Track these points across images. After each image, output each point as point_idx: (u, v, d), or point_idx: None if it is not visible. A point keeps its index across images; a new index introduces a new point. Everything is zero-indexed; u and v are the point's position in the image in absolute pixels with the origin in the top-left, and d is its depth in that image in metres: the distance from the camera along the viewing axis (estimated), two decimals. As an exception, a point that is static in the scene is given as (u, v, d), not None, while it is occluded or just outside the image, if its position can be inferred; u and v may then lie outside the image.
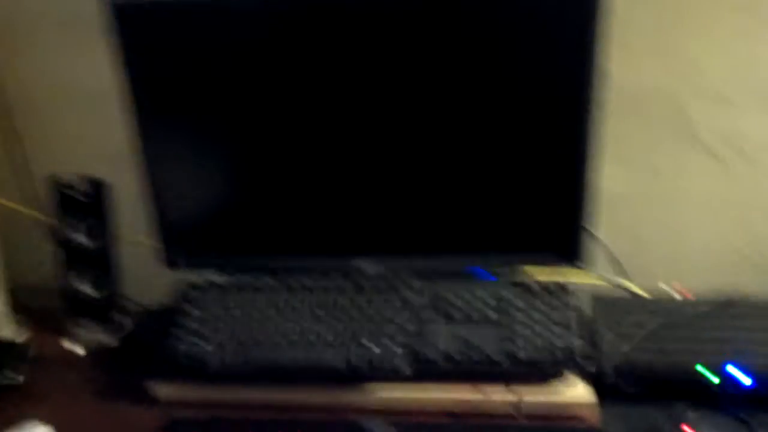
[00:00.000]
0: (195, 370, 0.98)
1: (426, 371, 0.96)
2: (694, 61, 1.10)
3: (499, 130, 0.99)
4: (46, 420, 0.97)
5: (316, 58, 0.97)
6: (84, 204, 1.11)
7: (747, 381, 0.93)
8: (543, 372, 0.94)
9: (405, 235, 1.07)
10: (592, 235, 1.05)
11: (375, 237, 1.08)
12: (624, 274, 1.16)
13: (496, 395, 0.95)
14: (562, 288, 1.02)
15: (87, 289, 1.14)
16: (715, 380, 0.93)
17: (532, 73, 0.96)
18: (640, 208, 1.20)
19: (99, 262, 1.13)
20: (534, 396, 0.94)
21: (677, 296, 1.09)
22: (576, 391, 0.95)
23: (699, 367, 0.94)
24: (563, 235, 1.03)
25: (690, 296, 1.09)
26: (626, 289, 1.13)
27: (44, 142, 1.24)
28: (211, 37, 0.98)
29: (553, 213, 1.03)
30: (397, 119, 1.00)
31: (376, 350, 0.96)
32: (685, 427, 0.91)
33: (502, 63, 0.96)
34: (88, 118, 1.22)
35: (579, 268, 1.07)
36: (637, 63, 1.10)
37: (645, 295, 1.12)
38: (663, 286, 1.11)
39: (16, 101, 1.21)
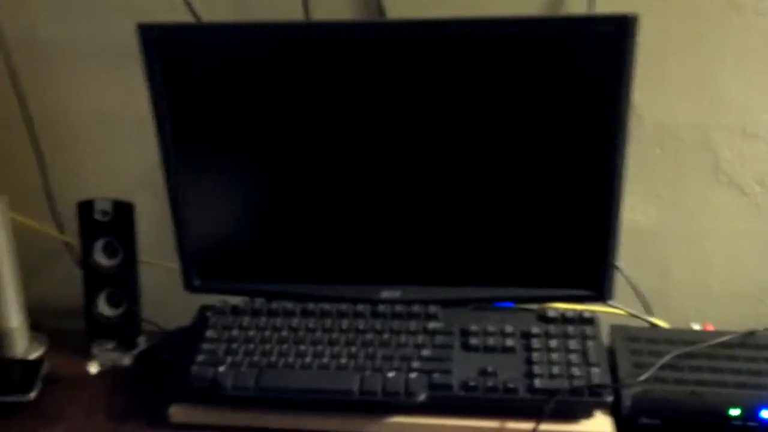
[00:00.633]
0: (208, 392, 0.97)
1: (441, 398, 0.94)
2: (723, 97, 1.10)
3: (528, 165, 0.99)
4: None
5: (347, 91, 0.98)
6: (107, 225, 1.12)
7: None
8: (560, 401, 0.93)
9: (427, 267, 1.07)
10: (617, 270, 1.04)
11: (399, 268, 1.07)
12: (648, 307, 1.15)
13: (513, 424, 0.94)
14: (581, 317, 1.01)
15: (106, 309, 1.14)
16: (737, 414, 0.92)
17: (562, 108, 0.96)
18: (667, 242, 1.19)
19: (120, 283, 1.13)
20: (551, 425, 0.93)
21: (698, 327, 1.08)
22: (594, 421, 0.94)
23: (733, 410, 0.92)
24: (591, 271, 1.02)
25: (712, 329, 1.07)
26: (649, 323, 1.12)
27: (69, 163, 1.25)
28: (241, 62, 0.98)
29: (580, 249, 1.02)
30: (427, 152, 1.00)
31: (390, 375, 0.95)
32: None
33: (532, 98, 0.96)
34: (113, 142, 1.24)
35: (607, 305, 1.06)
36: (666, 98, 1.11)
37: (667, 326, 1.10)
38: (690, 323, 1.10)
39: (42, 123, 1.22)
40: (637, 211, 1.17)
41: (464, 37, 0.94)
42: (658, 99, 1.11)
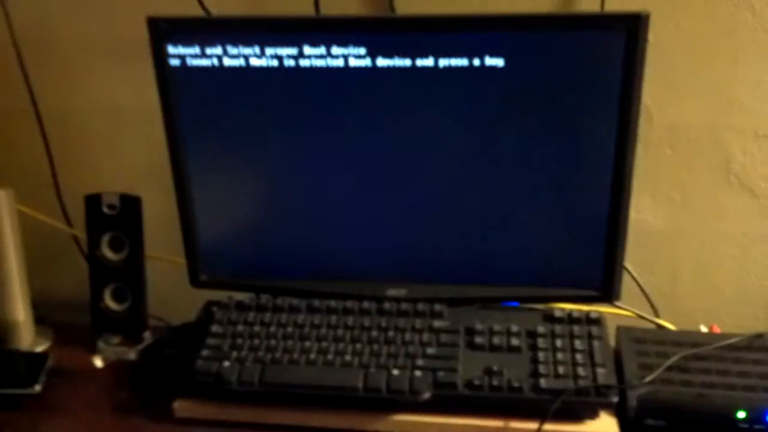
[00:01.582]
0: (213, 387, 0.97)
1: (446, 396, 0.94)
2: (735, 98, 1.09)
3: (536, 164, 0.98)
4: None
5: (357, 87, 0.98)
6: (114, 219, 1.12)
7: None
8: (566, 401, 0.92)
9: (433, 266, 1.06)
10: (625, 271, 1.03)
11: (405, 266, 1.07)
12: (655, 309, 1.14)
13: (518, 423, 0.93)
14: (588, 317, 1.01)
15: (112, 303, 1.15)
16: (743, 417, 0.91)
17: (571, 106, 0.95)
18: (676, 244, 1.19)
19: (126, 277, 1.13)
20: (557, 426, 0.92)
21: (705, 329, 1.07)
22: (599, 422, 0.93)
23: (740, 413, 0.91)
24: (598, 271, 1.02)
25: (719, 331, 1.07)
26: (656, 324, 1.11)
27: (77, 157, 1.26)
28: (251, 56, 0.98)
29: (588, 249, 1.01)
30: (434, 150, 1.00)
31: (395, 372, 0.94)
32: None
33: (541, 97, 0.95)
34: (121, 136, 1.24)
35: (614, 305, 1.05)
36: (677, 99, 1.10)
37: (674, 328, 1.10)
38: (696, 325, 1.09)
39: (51, 117, 1.23)
40: (647, 212, 1.17)
41: (473, 33, 0.93)
42: (669, 99, 1.10)
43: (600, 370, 0.94)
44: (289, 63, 0.97)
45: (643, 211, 1.16)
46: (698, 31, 1.06)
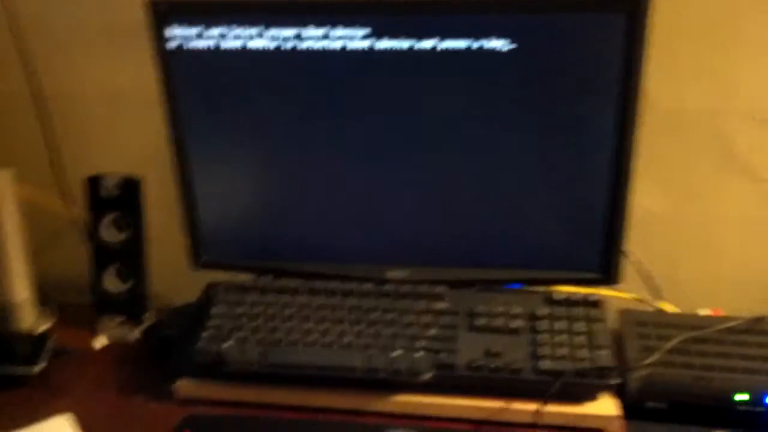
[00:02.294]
0: (213, 368, 0.97)
1: (447, 377, 0.94)
2: (735, 83, 1.09)
3: (538, 148, 0.98)
4: (63, 411, 0.97)
5: (358, 68, 0.97)
6: (115, 201, 1.12)
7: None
8: (566, 383, 0.92)
9: (435, 248, 1.06)
10: (626, 255, 1.03)
11: (406, 248, 1.07)
12: (656, 292, 1.14)
13: (518, 404, 0.93)
14: (588, 300, 1.01)
15: (114, 285, 1.15)
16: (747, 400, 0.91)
17: (572, 92, 0.95)
18: (677, 228, 1.18)
19: (128, 258, 1.14)
20: (557, 407, 0.93)
21: (706, 312, 1.07)
22: (600, 404, 0.93)
23: (740, 395, 0.91)
24: (599, 254, 1.02)
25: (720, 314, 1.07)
26: (658, 308, 1.11)
27: (78, 139, 1.25)
28: (251, 39, 0.98)
29: (589, 232, 1.01)
30: (436, 132, 0.99)
31: (396, 353, 0.95)
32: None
33: (543, 81, 0.95)
34: (123, 118, 1.24)
35: (614, 288, 1.05)
36: (677, 84, 1.10)
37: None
38: (698, 309, 1.09)
39: (52, 100, 1.22)
40: (648, 196, 1.16)
41: (474, 16, 0.93)
42: (670, 84, 1.09)
43: (600, 353, 0.94)
44: (288, 45, 0.97)
45: (644, 196, 1.15)
46: (699, 15, 1.06)
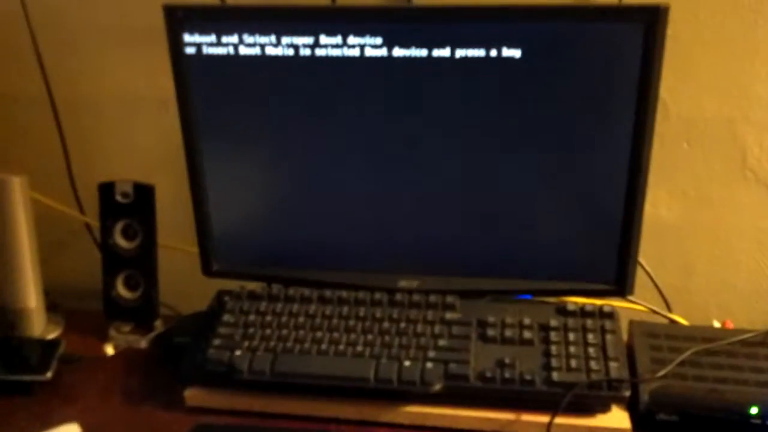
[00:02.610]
0: (224, 376, 0.97)
1: (457, 388, 0.94)
2: (752, 92, 1.09)
3: (551, 157, 0.98)
4: (72, 419, 0.96)
5: (370, 77, 0.97)
6: (127, 207, 1.12)
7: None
8: (578, 395, 0.92)
9: (446, 257, 1.06)
10: (639, 265, 1.03)
11: (417, 257, 1.06)
12: (669, 304, 1.14)
13: (530, 416, 0.93)
14: (601, 311, 1.00)
15: (124, 292, 1.15)
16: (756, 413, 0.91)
17: (587, 99, 0.95)
18: (691, 238, 1.18)
19: (139, 265, 1.14)
20: (568, 419, 0.92)
21: (718, 324, 1.07)
22: (612, 416, 0.93)
23: (753, 409, 0.91)
24: (612, 265, 1.01)
25: (732, 326, 1.06)
26: (669, 319, 1.11)
27: (91, 144, 1.26)
28: (266, 45, 0.98)
29: (602, 243, 1.01)
30: (448, 141, 0.99)
31: (406, 363, 0.94)
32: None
33: (558, 88, 0.95)
34: (135, 124, 1.24)
35: (627, 300, 1.05)
36: (693, 92, 1.10)
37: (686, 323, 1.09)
38: (710, 319, 1.09)
39: (66, 104, 1.23)
40: (662, 206, 1.16)
41: (490, 24, 0.93)
42: (686, 93, 1.09)
43: (612, 364, 0.94)
44: (305, 52, 0.97)
45: (658, 205, 1.15)
46: (717, 24, 1.06)
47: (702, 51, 1.07)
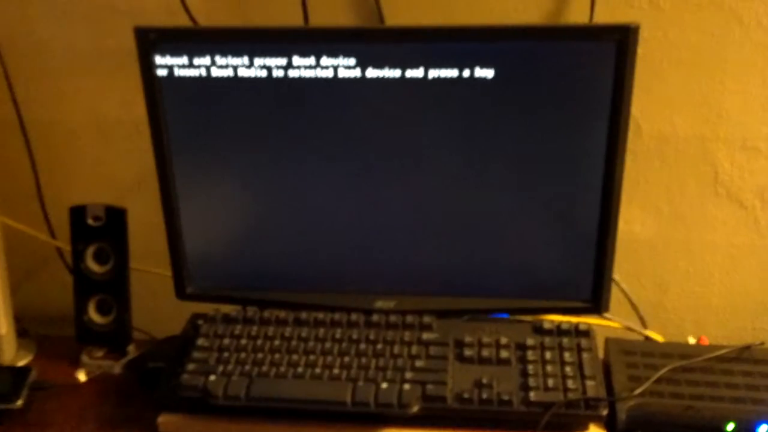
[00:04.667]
0: (198, 402, 0.96)
1: (435, 410, 0.93)
2: (723, 109, 1.10)
3: (525, 176, 0.98)
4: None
5: (346, 97, 0.97)
6: (99, 231, 1.10)
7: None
8: (555, 414, 0.92)
9: (422, 277, 1.06)
10: (614, 282, 1.03)
11: (393, 278, 1.06)
12: (644, 320, 1.14)
13: (506, 436, 0.93)
14: (577, 329, 1.00)
15: (97, 316, 1.13)
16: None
17: (560, 118, 0.95)
18: (664, 255, 1.19)
19: (111, 289, 1.12)
20: (545, 438, 0.92)
21: (693, 341, 1.07)
22: (589, 435, 0.93)
23: (729, 425, 0.91)
24: (587, 283, 1.02)
25: (707, 343, 1.06)
26: (645, 336, 1.11)
27: (62, 167, 1.24)
28: (239, 67, 0.97)
29: (576, 260, 1.01)
30: (423, 161, 0.99)
31: (384, 385, 0.94)
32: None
33: (530, 108, 0.95)
34: (107, 147, 1.23)
35: (602, 317, 1.05)
36: (665, 110, 1.10)
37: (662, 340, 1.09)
38: (687, 336, 1.09)
39: (36, 127, 1.22)
40: (636, 223, 1.17)
41: (463, 44, 0.93)
42: (657, 111, 1.10)
43: (589, 383, 0.94)
44: (278, 74, 0.96)
45: (632, 222, 1.16)
46: (686, 43, 1.07)
47: (672, 70, 1.08)
